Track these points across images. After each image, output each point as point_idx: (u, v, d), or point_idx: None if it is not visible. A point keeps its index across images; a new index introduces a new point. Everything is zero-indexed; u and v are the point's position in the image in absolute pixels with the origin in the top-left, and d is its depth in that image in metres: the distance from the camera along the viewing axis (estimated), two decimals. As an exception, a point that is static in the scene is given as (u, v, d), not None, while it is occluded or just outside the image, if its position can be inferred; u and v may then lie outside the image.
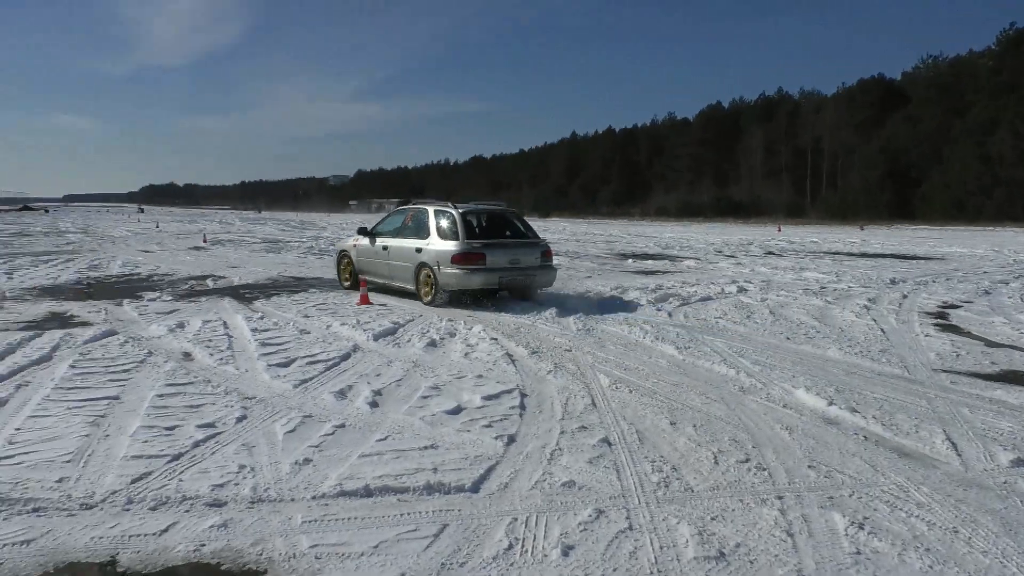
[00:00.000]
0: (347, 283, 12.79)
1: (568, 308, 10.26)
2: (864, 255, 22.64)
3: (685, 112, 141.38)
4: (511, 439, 4.76)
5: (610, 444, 4.69)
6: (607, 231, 41.76)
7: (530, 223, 11.66)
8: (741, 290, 12.45)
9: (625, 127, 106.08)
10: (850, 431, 5.00)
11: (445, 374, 6.45)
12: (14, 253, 20.65)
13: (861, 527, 3.54)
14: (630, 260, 19.94)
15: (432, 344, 7.70)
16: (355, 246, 12.50)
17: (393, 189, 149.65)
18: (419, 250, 10.81)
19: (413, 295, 11.06)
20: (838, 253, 23.48)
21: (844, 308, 10.40)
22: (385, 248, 11.69)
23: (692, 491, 3.98)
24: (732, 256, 21.65)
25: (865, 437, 4.88)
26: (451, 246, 10.29)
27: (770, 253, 23.19)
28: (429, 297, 10.66)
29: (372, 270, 12.02)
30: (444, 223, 10.69)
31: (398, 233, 11.59)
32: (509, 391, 5.89)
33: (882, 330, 8.81)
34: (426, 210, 11.17)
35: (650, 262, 19.42)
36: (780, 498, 3.88)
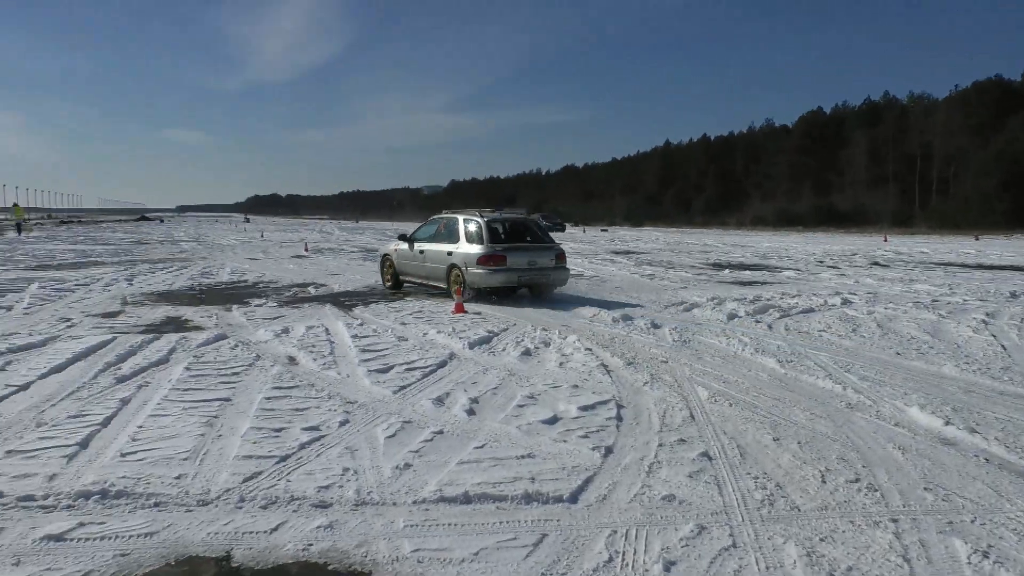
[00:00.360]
0: (388, 283, 14.29)
1: (663, 319, 10.12)
2: (980, 267, 21.38)
3: (784, 119, 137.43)
4: (608, 450, 4.72)
5: (710, 458, 4.59)
6: (702, 240, 40.97)
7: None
8: (845, 302, 11.97)
9: (721, 135, 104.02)
10: (970, 452, 4.72)
11: (540, 383, 6.47)
12: (133, 260, 21.97)
13: (986, 555, 3.34)
14: (726, 270, 19.48)
15: (527, 353, 7.73)
16: (396, 250, 13.97)
17: (486, 199, 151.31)
18: (450, 253, 12.30)
19: (446, 293, 12.13)
20: (951, 264, 22.26)
21: (959, 322, 9.84)
22: (422, 252, 13.12)
23: (799, 510, 3.84)
24: (835, 267, 20.86)
25: (987, 459, 4.60)
26: (477, 249, 11.84)
27: (876, 264, 22.21)
28: (460, 293, 11.86)
29: (411, 271, 13.59)
30: (472, 229, 12.16)
31: (433, 239, 13.02)
32: (605, 402, 5.85)
33: (1003, 346, 8.29)
34: (456, 218, 12.62)
35: (747, 273, 18.93)
36: (894, 521, 3.70)
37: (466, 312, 10.72)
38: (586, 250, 29.94)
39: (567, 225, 61.28)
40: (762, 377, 6.78)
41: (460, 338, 8.46)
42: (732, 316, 10.40)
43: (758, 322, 9.93)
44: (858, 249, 31.36)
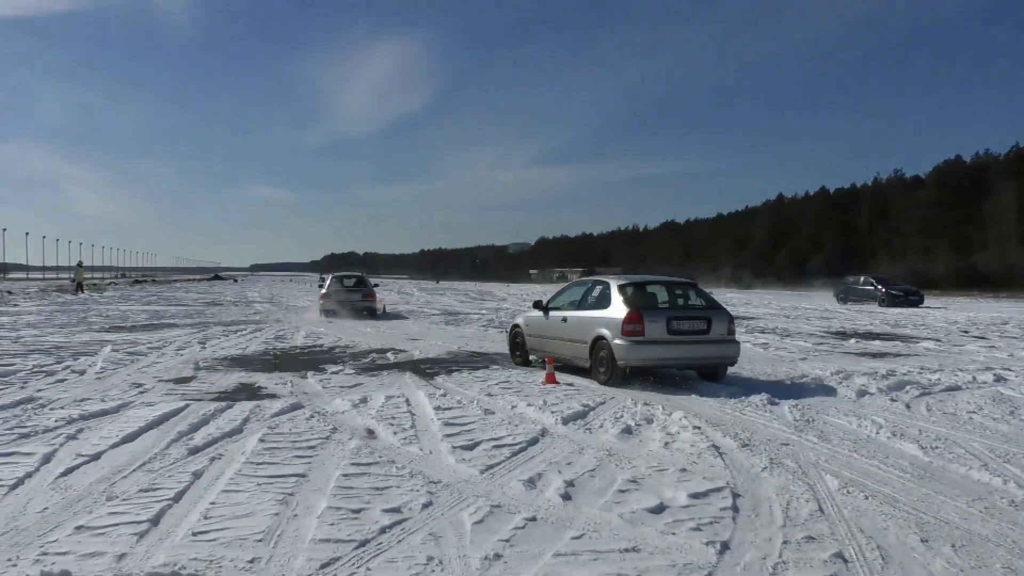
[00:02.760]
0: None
1: (781, 394, 9.81)
2: None
3: (915, 169, 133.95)
4: (724, 546, 4.54)
5: (846, 561, 4.34)
6: (820, 304, 39.75)
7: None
8: (999, 379, 11.33)
9: (842, 187, 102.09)
10: None
11: (643, 466, 6.32)
12: (206, 322, 22.92)
13: None
14: (852, 340, 18.81)
15: (627, 431, 7.61)
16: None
17: (575, 258, 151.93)
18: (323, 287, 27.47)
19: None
20: (1124, 335, 20.84)
21: None
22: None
23: (957, 628, 3.57)
24: (982, 337, 19.85)
25: None
26: (323, 290, 26.55)
27: (1031, 333, 21.01)
28: (320, 314, 26.08)
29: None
30: (326, 281, 27.63)
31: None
32: (718, 489, 5.66)
33: None
34: (327, 277, 29.28)
35: (877, 342, 18.22)
36: (1078, 647, 3.39)
37: (558, 383, 10.67)
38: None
39: (924, 296, 40.87)
40: (902, 465, 6.44)
41: (552, 412, 8.40)
42: (862, 393, 10.00)
43: (894, 400, 9.50)
44: (1010, 316, 29.79)
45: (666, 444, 7.10)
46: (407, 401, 9.23)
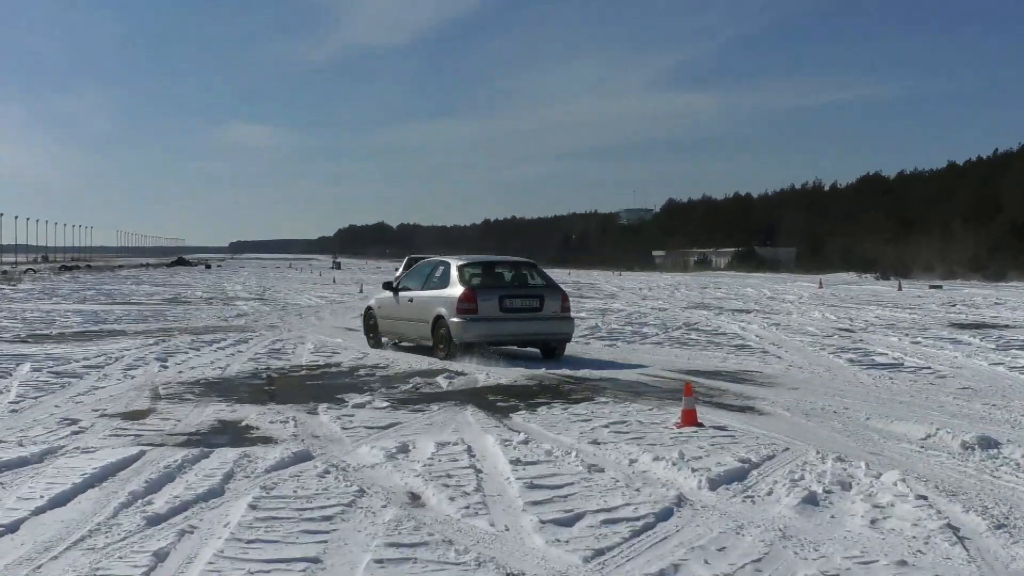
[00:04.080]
0: None
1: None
2: None
3: None
4: None
5: None
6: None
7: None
8: None
9: None
10: None
11: (839, 555, 6.25)
12: (168, 329, 23.56)
13: None
14: None
15: (811, 500, 7.53)
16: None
17: (725, 229, 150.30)
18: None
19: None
20: None
21: None
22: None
23: None
24: None
25: None
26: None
27: None
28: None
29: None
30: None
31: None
32: (958, 595, 5.58)
33: None
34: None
35: None
36: None
37: (701, 425, 10.60)
38: (906, 321, 28.94)
39: None
40: None
41: (693, 470, 8.38)
42: None
43: None
44: None
45: (873, 522, 7.01)
46: (469, 450, 9.32)
